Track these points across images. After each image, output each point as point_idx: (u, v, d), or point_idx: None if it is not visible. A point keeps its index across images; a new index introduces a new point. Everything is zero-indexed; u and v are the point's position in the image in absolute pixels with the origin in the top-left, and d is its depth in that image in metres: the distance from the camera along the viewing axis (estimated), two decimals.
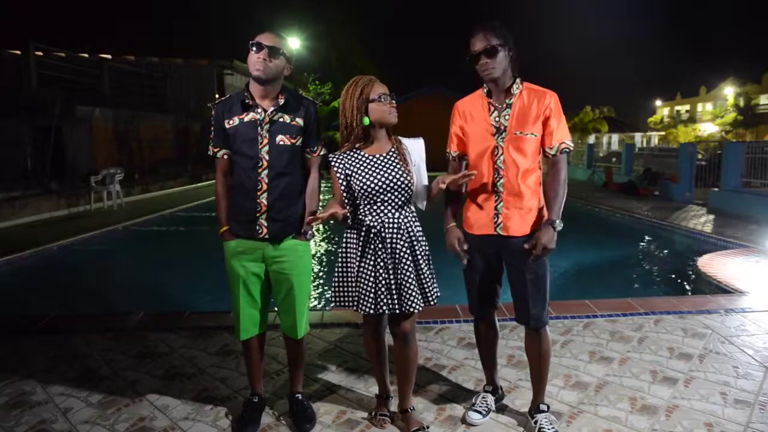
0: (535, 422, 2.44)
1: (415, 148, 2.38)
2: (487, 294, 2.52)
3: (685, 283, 5.93)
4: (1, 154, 10.91)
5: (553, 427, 2.40)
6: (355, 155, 2.32)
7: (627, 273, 6.63)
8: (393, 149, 2.34)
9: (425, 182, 2.39)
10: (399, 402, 2.48)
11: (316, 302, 5.24)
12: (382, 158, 2.31)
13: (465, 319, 3.76)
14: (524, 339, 2.54)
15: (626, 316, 3.92)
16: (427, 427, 2.41)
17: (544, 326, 2.43)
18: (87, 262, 7.06)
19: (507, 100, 2.34)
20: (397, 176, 2.28)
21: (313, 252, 6.38)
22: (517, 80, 2.35)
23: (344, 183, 2.32)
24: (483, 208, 2.38)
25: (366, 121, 2.27)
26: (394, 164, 2.30)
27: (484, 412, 2.54)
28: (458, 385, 2.90)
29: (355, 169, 2.29)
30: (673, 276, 6.26)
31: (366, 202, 2.29)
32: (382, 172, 2.27)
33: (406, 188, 2.29)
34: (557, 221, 2.27)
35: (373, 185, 2.26)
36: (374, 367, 2.58)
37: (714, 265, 5.64)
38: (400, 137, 2.39)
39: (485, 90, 2.39)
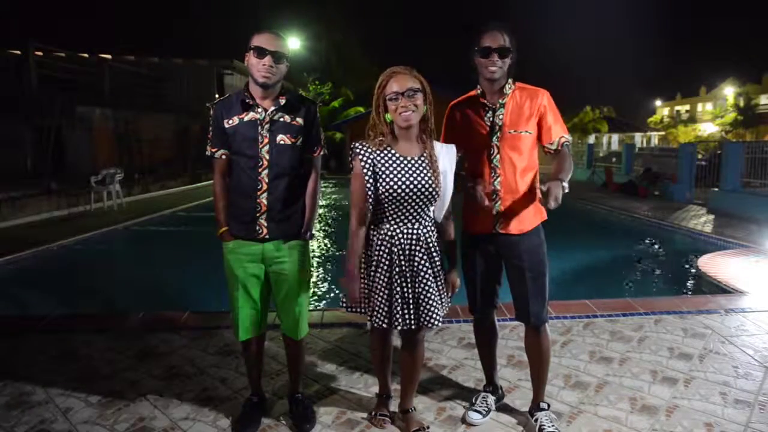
0: (536, 420, 2.44)
1: (447, 155, 2.23)
2: (487, 293, 2.53)
3: (685, 283, 5.93)
4: (1, 154, 10.91)
5: (553, 425, 2.40)
6: (385, 153, 2.17)
7: (627, 273, 6.62)
8: (425, 153, 2.18)
9: (449, 193, 2.25)
10: (400, 402, 2.47)
11: (316, 302, 5.24)
12: (413, 161, 2.16)
13: (465, 319, 3.76)
14: (524, 338, 2.55)
15: (626, 316, 3.92)
16: (427, 428, 2.41)
17: (544, 324, 2.44)
18: (87, 262, 7.05)
19: (500, 100, 2.36)
20: (425, 182, 2.14)
21: (313, 252, 6.38)
22: (510, 80, 2.38)
23: (371, 180, 2.14)
24: (481, 207, 2.38)
25: (388, 117, 2.14)
26: (423, 169, 2.16)
27: (484, 412, 2.54)
28: (458, 385, 2.90)
29: (384, 169, 2.14)
30: (673, 276, 6.27)
31: (388, 205, 2.16)
32: (410, 176, 2.13)
33: (432, 196, 2.16)
34: (564, 181, 2.16)
35: (399, 189, 2.12)
36: (377, 368, 2.57)
37: (714, 265, 5.64)
38: (435, 141, 2.23)
39: (479, 91, 2.41)
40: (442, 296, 2.26)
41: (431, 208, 2.23)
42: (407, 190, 2.13)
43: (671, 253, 7.73)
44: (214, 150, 2.38)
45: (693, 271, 5.98)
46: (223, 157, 2.38)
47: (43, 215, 9.61)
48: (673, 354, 3.27)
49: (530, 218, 2.38)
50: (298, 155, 2.38)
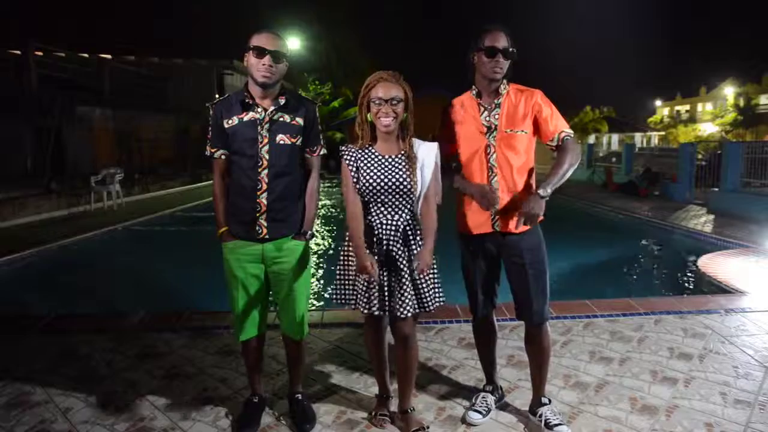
0: (540, 416, 2.44)
1: (425, 151, 2.31)
2: (487, 293, 2.53)
3: (685, 283, 5.93)
4: (1, 154, 10.91)
5: (558, 418, 2.41)
6: (366, 151, 2.32)
7: (627, 273, 6.63)
8: (403, 152, 2.30)
9: (432, 186, 2.33)
10: (399, 402, 2.48)
11: (315, 302, 5.24)
12: (390, 159, 2.29)
13: (465, 319, 3.76)
14: (524, 336, 2.55)
15: (626, 316, 3.92)
16: (427, 427, 2.42)
17: (545, 321, 2.45)
18: (87, 262, 7.06)
19: (496, 100, 2.39)
20: (400, 178, 2.25)
21: (313, 251, 6.37)
22: (504, 81, 2.40)
23: (356, 175, 2.30)
24: (479, 207, 2.38)
25: (369, 117, 2.27)
26: (400, 166, 2.27)
27: (484, 412, 2.54)
28: (458, 385, 2.90)
29: (363, 165, 2.29)
30: (673, 276, 6.26)
31: (368, 200, 2.29)
32: (386, 172, 2.26)
33: (407, 192, 2.26)
34: (543, 191, 2.23)
35: (375, 183, 2.25)
36: (374, 368, 2.58)
37: (714, 265, 5.63)
38: (416, 140, 2.33)
39: (474, 91, 2.43)
40: (421, 288, 2.28)
41: (412, 202, 2.31)
42: (384, 185, 2.25)
43: (671, 253, 7.73)
44: (213, 150, 2.38)
45: (693, 271, 5.98)
46: (222, 157, 2.38)
47: (43, 215, 9.61)
48: (673, 354, 3.27)
49: None
50: (297, 155, 2.38)
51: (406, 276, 2.26)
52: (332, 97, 24.74)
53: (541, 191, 2.23)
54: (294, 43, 21.90)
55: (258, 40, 2.23)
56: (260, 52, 2.21)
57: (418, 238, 2.32)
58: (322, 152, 2.48)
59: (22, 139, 11.40)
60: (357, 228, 2.27)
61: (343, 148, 2.34)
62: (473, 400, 2.63)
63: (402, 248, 2.28)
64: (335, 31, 27.06)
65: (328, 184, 15.23)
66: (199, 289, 5.34)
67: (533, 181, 2.42)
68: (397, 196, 2.27)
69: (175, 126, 17.27)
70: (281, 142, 2.32)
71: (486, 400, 2.60)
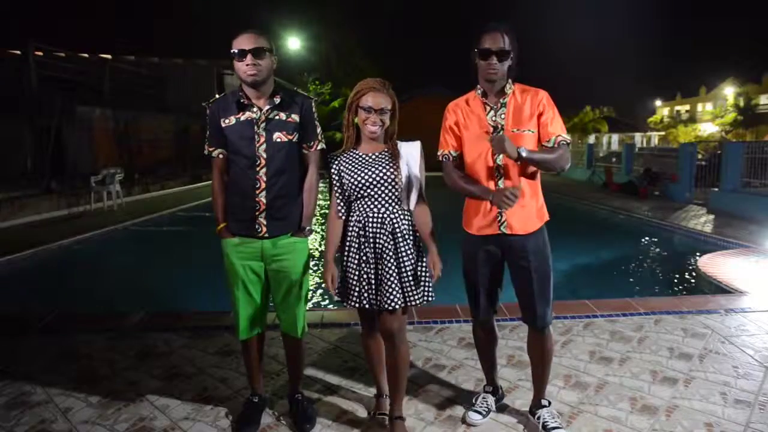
0: (538, 418, 2.44)
1: (408, 150, 2.38)
2: (490, 296, 2.51)
3: (685, 283, 5.93)
4: (1, 154, 10.91)
5: (555, 421, 2.40)
6: (351, 154, 2.40)
7: (627, 273, 6.62)
8: (386, 150, 2.38)
9: (417, 184, 2.38)
10: (390, 408, 2.42)
11: (316, 302, 5.23)
12: (374, 156, 2.36)
13: (465, 319, 3.76)
14: (527, 338, 2.55)
15: (626, 316, 3.92)
16: None
17: (548, 326, 2.44)
18: (87, 262, 7.05)
19: (501, 100, 2.37)
20: (384, 173, 2.31)
21: (311, 250, 6.36)
22: (509, 81, 2.38)
23: (336, 178, 2.40)
24: (485, 208, 2.38)
25: (356, 121, 2.35)
26: (383, 162, 2.34)
27: (484, 413, 2.54)
28: (458, 385, 2.90)
29: (348, 166, 2.36)
30: (673, 276, 6.26)
31: (355, 197, 2.34)
32: (370, 169, 2.32)
33: (392, 185, 2.31)
34: (524, 152, 2.20)
35: (360, 179, 2.31)
36: (369, 366, 2.59)
37: (714, 265, 5.63)
38: (398, 141, 2.40)
39: (479, 91, 2.41)
40: (405, 283, 2.28)
41: (398, 196, 2.34)
42: (368, 179, 2.31)
43: (671, 254, 7.73)
44: (211, 149, 2.40)
45: (693, 271, 5.98)
46: (220, 156, 2.39)
47: (43, 215, 9.61)
48: (673, 354, 3.27)
49: (535, 218, 2.37)
50: (295, 152, 2.40)
51: (392, 269, 2.27)
52: (332, 97, 24.73)
53: (523, 151, 2.19)
54: (294, 43, 21.91)
55: (238, 42, 2.24)
56: (241, 54, 2.23)
57: (406, 233, 2.33)
58: (320, 147, 2.48)
59: (22, 139, 11.40)
60: (332, 239, 2.43)
61: (330, 155, 2.44)
62: (473, 401, 2.63)
63: (389, 241, 2.29)
64: (335, 31, 27.06)
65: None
66: (199, 289, 5.34)
67: (538, 182, 2.41)
68: (382, 189, 2.31)
69: (175, 126, 17.27)
70: (278, 140, 2.33)
71: (486, 401, 2.60)
